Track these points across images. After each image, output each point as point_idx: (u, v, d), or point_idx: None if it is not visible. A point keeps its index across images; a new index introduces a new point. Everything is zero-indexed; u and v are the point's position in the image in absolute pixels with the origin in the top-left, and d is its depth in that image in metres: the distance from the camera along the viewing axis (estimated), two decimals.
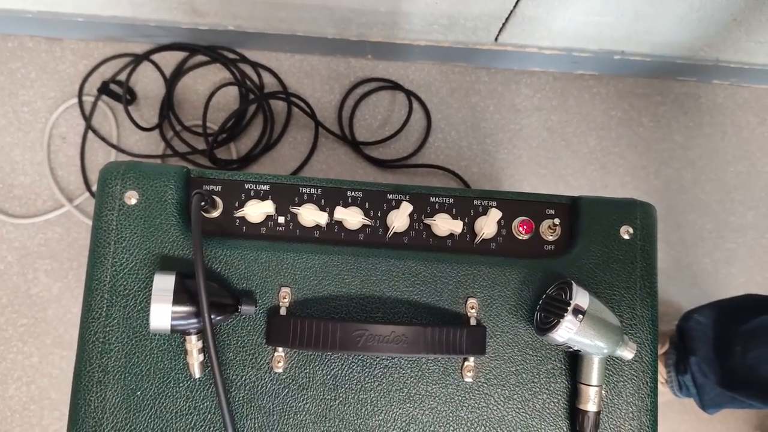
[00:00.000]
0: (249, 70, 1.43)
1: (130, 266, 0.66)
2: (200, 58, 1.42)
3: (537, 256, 0.70)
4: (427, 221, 0.70)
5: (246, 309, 0.64)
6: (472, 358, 0.67)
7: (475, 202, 0.71)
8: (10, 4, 1.28)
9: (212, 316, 0.61)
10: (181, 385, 0.65)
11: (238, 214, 0.69)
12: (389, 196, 0.71)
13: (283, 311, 0.66)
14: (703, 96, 1.48)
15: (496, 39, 1.32)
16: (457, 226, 0.69)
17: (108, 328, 0.65)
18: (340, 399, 0.66)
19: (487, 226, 0.69)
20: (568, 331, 0.61)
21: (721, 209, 1.44)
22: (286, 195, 0.70)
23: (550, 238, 0.71)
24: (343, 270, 0.68)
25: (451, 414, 0.66)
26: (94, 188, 1.35)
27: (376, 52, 1.42)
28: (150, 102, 1.41)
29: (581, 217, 0.70)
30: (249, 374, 0.66)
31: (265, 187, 0.70)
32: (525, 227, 0.70)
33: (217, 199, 0.69)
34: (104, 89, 1.37)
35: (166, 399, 0.65)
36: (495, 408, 0.67)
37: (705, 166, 1.45)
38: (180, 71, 1.42)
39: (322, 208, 0.70)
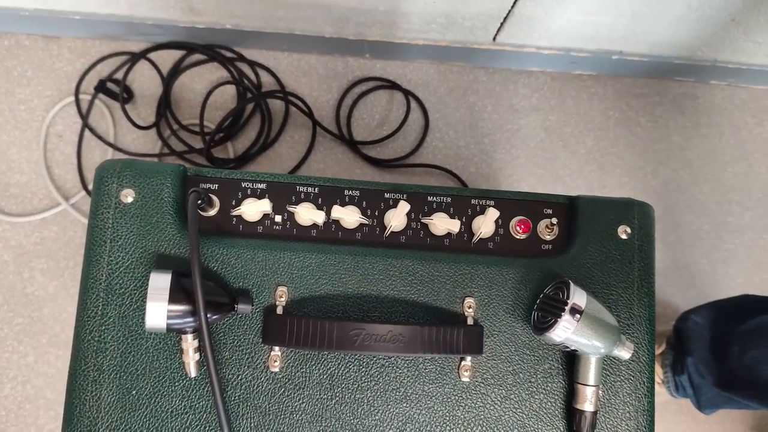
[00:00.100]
0: (246, 69, 1.43)
1: (126, 265, 0.66)
2: (197, 56, 1.42)
3: (534, 256, 0.70)
4: (425, 220, 0.70)
5: (242, 308, 0.64)
6: (469, 358, 0.67)
7: (473, 201, 0.71)
8: (6, 1, 1.28)
9: (208, 315, 0.61)
10: (176, 384, 0.65)
11: (235, 212, 0.69)
12: (386, 195, 0.71)
13: (279, 310, 0.66)
14: (700, 96, 1.48)
15: (494, 38, 1.32)
16: (454, 226, 0.69)
17: (104, 327, 0.65)
18: (337, 398, 0.66)
19: (485, 225, 0.69)
20: (565, 331, 0.61)
21: (719, 210, 1.44)
22: (283, 194, 0.70)
23: (548, 238, 0.71)
24: (340, 269, 0.67)
25: (447, 414, 0.66)
26: (91, 187, 1.34)
27: (374, 52, 1.41)
28: (147, 100, 1.41)
29: (579, 216, 0.70)
30: (245, 373, 0.65)
31: (262, 186, 0.70)
32: (522, 227, 0.70)
33: (214, 197, 0.69)
34: (101, 87, 1.36)
35: (161, 398, 0.65)
36: (492, 408, 0.67)
37: (703, 166, 1.46)
38: (177, 70, 1.41)
39: (319, 207, 0.70)
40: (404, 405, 0.66)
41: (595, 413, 0.65)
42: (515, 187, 1.42)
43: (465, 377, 0.67)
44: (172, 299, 0.60)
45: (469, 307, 0.67)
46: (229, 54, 1.42)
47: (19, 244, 1.35)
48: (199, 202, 0.66)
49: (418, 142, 1.42)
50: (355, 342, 0.61)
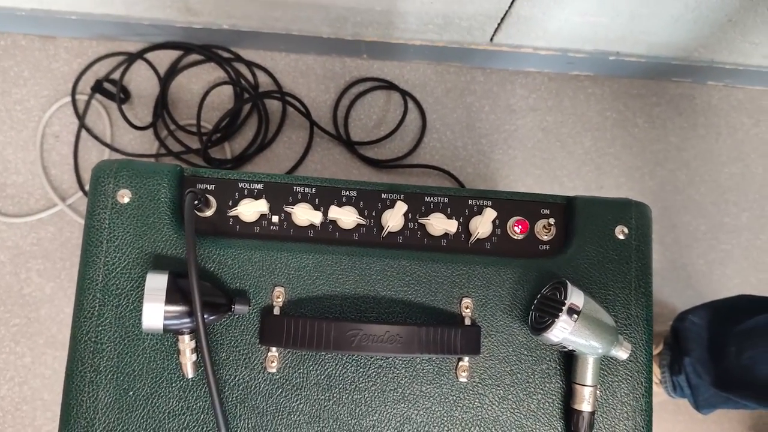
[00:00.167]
0: (244, 70, 1.43)
1: (122, 265, 0.65)
2: (194, 57, 1.42)
3: (532, 256, 0.70)
4: (422, 221, 0.70)
5: (239, 308, 0.64)
6: (466, 358, 0.66)
7: (470, 201, 0.71)
8: (3, 1, 1.27)
9: (205, 316, 0.61)
10: (173, 385, 0.65)
11: (232, 213, 0.69)
12: (384, 196, 0.71)
13: (276, 311, 0.66)
14: (697, 97, 1.48)
15: (491, 39, 1.32)
16: (451, 226, 0.69)
17: (100, 328, 0.65)
18: (334, 399, 0.66)
19: (482, 225, 0.68)
20: (562, 331, 0.61)
21: (716, 210, 1.44)
22: (280, 194, 0.70)
23: (545, 238, 0.71)
24: (337, 269, 0.67)
25: (445, 414, 0.66)
26: (87, 187, 1.34)
27: (371, 52, 1.41)
28: (144, 101, 1.41)
29: (576, 216, 0.70)
30: (242, 374, 0.65)
31: (259, 186, 0.70)
32: (520, 227, 0.70)
33: (211, 198, 0.69)
34: (98, 88, 1.36)
35: (158, 399, 0.64)
36: (489, 408, 0.66)
37: (699, 167, 1.46)
38: (174, 70, 1.41)
39: (316, 208, 0.70)
40: (402, 405, 0.66)
41: (592, 413, 0.65)
42: (512, 188, 1.42)
43: (462, 378, 0.66)
44: (169, 300, 0.60)
45: (467, 308, 0.67)
46: (226, 54, 1.42)
47: (16, 245, 1.35)
48: (196, 202, 0.66)
49: (416, 142, 1.42)
50: (353, 342, 0.61)
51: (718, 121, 1.48)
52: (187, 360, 0.63)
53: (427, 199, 0.71)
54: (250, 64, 1.42)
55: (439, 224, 0.68)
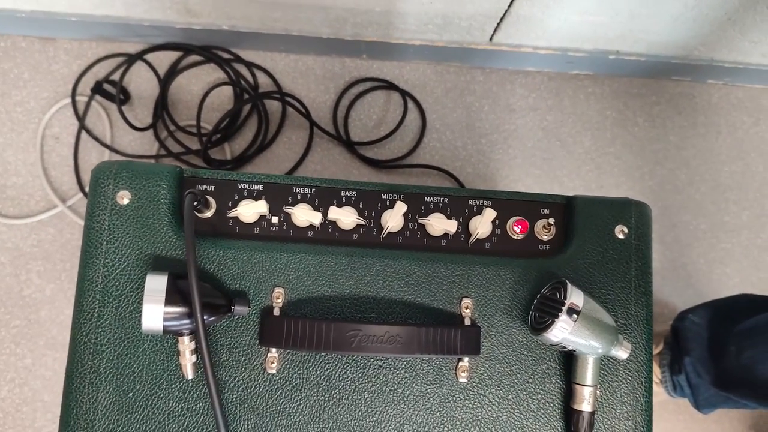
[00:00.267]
0: (243, 70, 1.43)
1: (122, 267, 0.65)
2: (194, 57, 1.42)
3: (532, 256, 0.70)
4: (422, 221, 0.70)
5: (239, 309, 0.64)
6: (466, 359, 0.66)
7: (470, 201, 0.71)
8: (2, 3, 1.27)
9: (205, 317, 0.61)
10: (173, 386, 0.65)
11: (232, 214, 0.69)
12: (383, 196, 0.71)
13: (276, 312, 0.65)
14: (697, 96, 1.48)
15: (491, 39, 1.32)
16: (451, 226, 0.69)
17: (100, 329, 0.65)
18: (334, 400, 0.66)
19: (482, 225, 0.68)
20: (562, 331, 0.61)
21: (716, 209, 1.44)
22: (279, 195, 0.70)
23: (545, 238, 0.71)
24: (336, 270, 0.67)
25: (445, 415, 0.66)
26: (87, 189, 1.34)
27: (371, 52, 1.41)
28: (144, 102, 1.41)
29: (576, 216, 0.70)
30: (242, 375, 0.65)
31: (259, 187, 0.70)
32: (520, 227, 0.70)
33: (210, 198, 0.69)
34: (98, 89, 1.36)
35: (158, 400, 0.64)
36: (489, 408, 0.66)
37: (699, 166, 1.46)
38: (174, 71, 1.41)
39: (315, 208, 0.70)
40: (402, 406, 0.66)
41: (592, 413, 0.65)
42: (512, 188, 1.42)
43: (462, 378, 0.66)
44: (169, 301, 0.60)
45: (467, 308, 0.67)
46: (226, 55, 1.42)
47: (16, 246, 1.35)
48: (196, 203, 0.66)
49: (416, 142, 1.42)
50: (352, 343, 0.61)
51: (718, 120, 1.48)
52: (187, 361, 0.63)
53: (426, 199, 0.71)
54: (249, 65, 1.42)
55: (439, 224, 0.68)
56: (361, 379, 0.66)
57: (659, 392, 1.25)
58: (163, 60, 1.42)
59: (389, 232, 0.70)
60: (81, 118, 1.38)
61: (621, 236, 0.70)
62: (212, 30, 1.34)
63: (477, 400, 0.66)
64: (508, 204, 0.71)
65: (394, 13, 1.23)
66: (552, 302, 0.63)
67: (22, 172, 1.37)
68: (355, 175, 1.40)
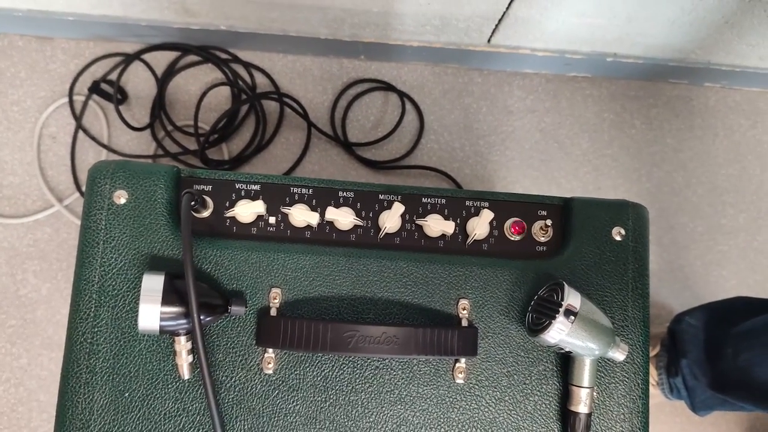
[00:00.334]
0: (241, 71, 1.42)
1: (118, 266, 0.65)
2: (192, 58, 1.42)
3: (529, 257, 0.70)
4: (419, 222, 0.70)
5: (236, 310, 0.64)
6: (463, 360, 0.66)
7: (468, 202, 0.71)
8: None
9: (201, 317, 0.61)
10: (169, 386, 0.64)
11: (229, 214, 0.69)
12: (381, 197, 0.71)
13: (273, 312, 0.65)
14: (694, 99, 1.49)
15: (488, 40, 1.33)
16: (449, 227, 0.69)
17: (96, 329, 0.64)
18: (331, 401, 0.66)
19: (479, 227, 0.68)
20: (559, 333, 0.61)
21: (713, 212, 1.44)
22: (277, 195, 0.70)
23: (542, 239, 0.71)
24: (334, 271, 0.67)
25: (442, 416, 0.66)
26: (84, 188, 1.34)
27: (368, 53, 1.41)
28: (141, 102, 1.41)
29: (573, 218, 0.70)
30: (239, 375, 0.65)
31: (256, 187, 0.70)
32: (517, 228, 0.70)
33: (208, 198, 0.69)
34: (95, 89, 1.36)
35: (154, 400, 0.64)
36: (486, 410, 0.66)
37: (696, 168, 1.46)
38: (171, 71, 1.41)
39: (313, 209, 0.69)
40: (398, 407, 0.66)
41: (589, 415, 0.65)
42: (510, 189, 1.42)
43: (459, 379, 0.66)
44: (165, 301, 0.60)
45: (464, 309, 0.67)
46: (223, 55, 1.42)
47: (12, 246, 1.35)
48: (193, 203, 0.66)
49: (413, 143, 1.42)
50: (349, 344, 0.61)
51: (715, 123, 1.48)
52: (184, 361, 0.63)
53: (424, 200, 0.71)
54: (247, 65, 1.42)
55: (437, 225, 0.68)
56: (358, 380, 0.66)
57: (656, 394, 1.26)
58: (161, 60, 1.41)
59: (387, 233, 0.70)
60: (78, 118, 1.38)
61: (618, 238, 0.70)
62: (210, 30, 1.34)
63: (474, 402, 0.66)
64: (505, 205, 0.71)
65: (391, 14, 1.23)
66: (549, 304, 0.63)
67: (19, 171, 1.37)
68: (353, 176, 1.40)
